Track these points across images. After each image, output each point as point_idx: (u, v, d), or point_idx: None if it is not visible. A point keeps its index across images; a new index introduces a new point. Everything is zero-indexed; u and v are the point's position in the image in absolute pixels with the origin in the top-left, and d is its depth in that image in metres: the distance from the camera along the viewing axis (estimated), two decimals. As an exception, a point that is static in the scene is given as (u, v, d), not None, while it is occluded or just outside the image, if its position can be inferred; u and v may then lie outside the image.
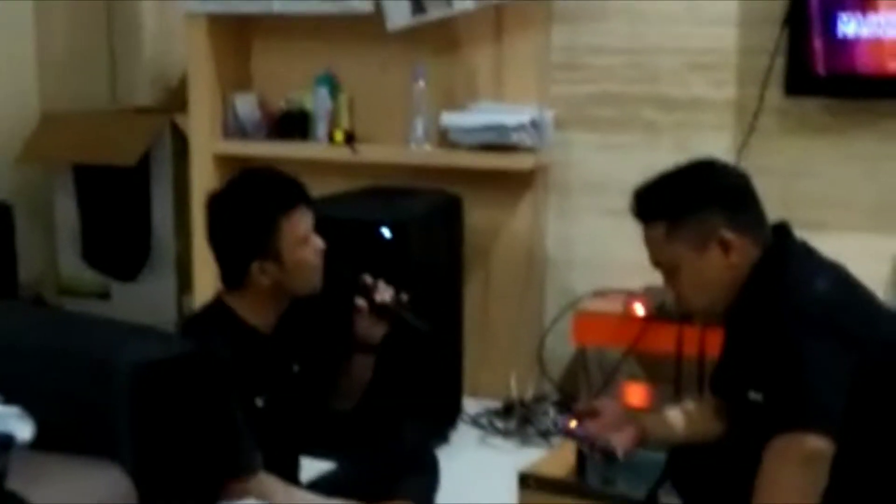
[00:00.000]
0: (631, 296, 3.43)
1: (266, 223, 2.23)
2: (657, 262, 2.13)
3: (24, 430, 2.04)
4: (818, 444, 1.85)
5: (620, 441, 2.16)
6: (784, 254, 2.07)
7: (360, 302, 2.39)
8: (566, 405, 3.55)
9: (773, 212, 2.18)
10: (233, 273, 2.29)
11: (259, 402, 2.27)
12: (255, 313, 2.30)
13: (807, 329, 1.91)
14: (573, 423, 2.23)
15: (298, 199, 2.28)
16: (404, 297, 2.41)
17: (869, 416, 1.93)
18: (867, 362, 1.93)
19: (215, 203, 2.33)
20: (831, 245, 2.16)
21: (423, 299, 3.21)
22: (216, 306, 2.33)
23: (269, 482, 2.19)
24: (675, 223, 2.07)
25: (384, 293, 2.39)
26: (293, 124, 3.99)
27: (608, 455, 2.15)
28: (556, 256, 3.83)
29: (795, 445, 1.85)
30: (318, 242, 2.31)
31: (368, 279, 2.40)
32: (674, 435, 2.24)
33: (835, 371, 1.89)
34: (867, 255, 3.06)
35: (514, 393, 3.66)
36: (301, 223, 2.27)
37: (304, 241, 2.27)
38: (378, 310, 2.39)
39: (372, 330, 2.41)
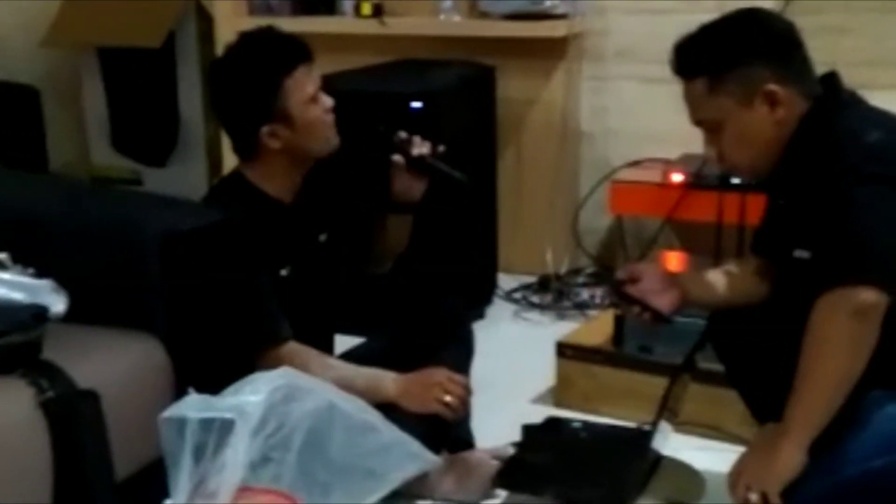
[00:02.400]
0: (668, 164, 3.36)
1: (268, 84, 2.18)
2: (699, 121, 2.04)
3: (57, 302, 2.03)
4: (870, 297, 1.77)
5: (664, 303, 2.11)
6: (833, 105, 1.98)
7: (397, 158, 2.35)
8: (602, 277, 3.52)
9: (819, 72, 2.08)
10: (244, 141, 2.25)
11: (284, 273, 2.25)
12: (274, 183, 2.26)
13: (858, 180, 1.82)
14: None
15: (300, 57, 2.22)
16: (441, 148, 2.36)
17: None
18: None
19: (216, 71, 2.29)
20: (878, 104, 2.06)
21: (469, 199, 3.17)
22: (233, 179, 2.30)
23: (302, 351, 2.19)
24: (719, 77, 1.97)
25: (421, 147, 2.35)
26: (319, -1, 3.90)
27: (657, 317, 2.11)
28: (591, 127, 3.75)
29: (846, 299, 1.78)
30: (326, 100, 2.26)
31: (403, 134, 2.36)
32: (716, 296, 2.18)
33: (890, 220, 1.80)
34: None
35: (550, 267, 3.63)
36: (306, 81, 2.21)
37: (311, 100, 2.22)
38: (416, 165, 2.34)
39: (410, 187, 2.37)
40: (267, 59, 2.21)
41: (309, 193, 2.32)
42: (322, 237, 2.37)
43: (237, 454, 1.82)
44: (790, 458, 1.83)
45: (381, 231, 2.44)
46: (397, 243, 2.45)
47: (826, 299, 1.80)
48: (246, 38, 2.31)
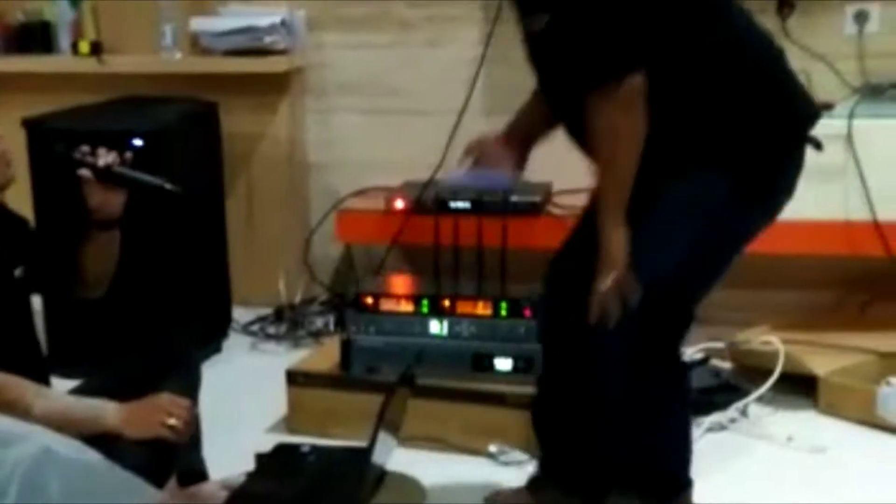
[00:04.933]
0: (391, 192, 3.50)
1: None
2: None
3: None
4: (632, 83, 1.96)
5: (510, 164, 2.28)
6: None
7: (84, 172, 2.27)
8: (335, 305, 3.62)
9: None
10: None
11: None
12: None
13: None
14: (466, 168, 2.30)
15: None
16: (129, 155, 2.30)
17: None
18: None
19: None
20: None
21: (184, 210, 3.18)
22: None
23: (14, 383, 2.09)
24: None
25: (106, 157, 2.28)
26: (34, 37, 3.82)
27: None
28: (318, 159, 3.84)
29: (611, 93, 1.96)
30: None
31: (86, 148, 2.28)
32: (540, 124, 2.29)
33: (625, 15, 1.96)
34: None
35: (284, 297, 3.69)
36: None
37: None
38: (105, 177, 2.27)
39: (107, 200, 2.28)
40: None
41: None
42: (17, 272, 2.30)
43: (-59, 510, 1.75)
44: (616, 237, 2.03)
45: (87, 252, 2.36)
46: (108, 262, 2.39)
47: (593, 99, 1.98)
48: None
